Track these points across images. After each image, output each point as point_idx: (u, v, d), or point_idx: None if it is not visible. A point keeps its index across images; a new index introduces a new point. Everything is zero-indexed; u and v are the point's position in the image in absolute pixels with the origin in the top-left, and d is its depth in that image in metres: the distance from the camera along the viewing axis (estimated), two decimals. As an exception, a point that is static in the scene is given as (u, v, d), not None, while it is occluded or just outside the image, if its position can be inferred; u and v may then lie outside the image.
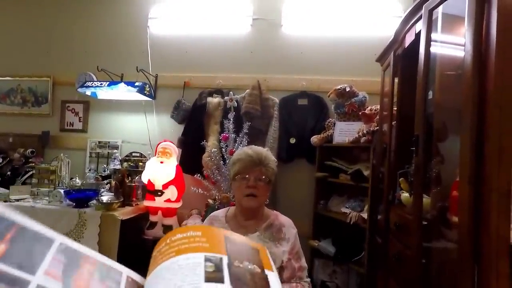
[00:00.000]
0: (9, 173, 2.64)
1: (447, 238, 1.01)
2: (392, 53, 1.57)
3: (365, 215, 1.94)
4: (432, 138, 1.12)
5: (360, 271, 1.99)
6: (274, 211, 1.27)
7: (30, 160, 2.75)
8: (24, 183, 2.54)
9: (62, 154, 2.60)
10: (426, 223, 1.09)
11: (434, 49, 1.14)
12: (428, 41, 1.15)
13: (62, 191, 2.18)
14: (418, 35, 1.24)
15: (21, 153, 2.76)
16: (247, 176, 1.16)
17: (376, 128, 1.92)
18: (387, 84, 1.71)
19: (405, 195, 1.33)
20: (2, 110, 3.07)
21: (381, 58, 1.84)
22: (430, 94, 1.24)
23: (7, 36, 3.10)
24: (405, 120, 1.44)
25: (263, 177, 1.16)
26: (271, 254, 1.12)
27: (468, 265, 0.78)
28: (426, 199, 1.13)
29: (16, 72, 3.04)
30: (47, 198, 2.23)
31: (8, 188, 2.33)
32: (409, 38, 1.35)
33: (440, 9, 1.10)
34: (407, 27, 1.37)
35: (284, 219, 1.24)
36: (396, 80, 1.56)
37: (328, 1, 2.55)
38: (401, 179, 1.41)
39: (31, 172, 2.57)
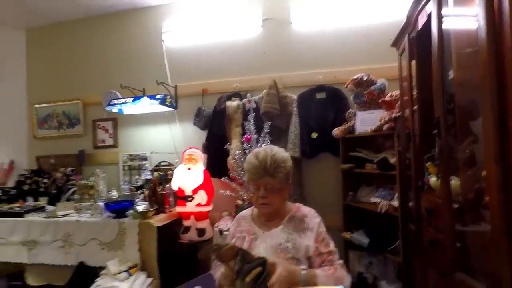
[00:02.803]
0: (54, 191, 2.86)
1: (482, 219, 0.99)
2: (407, 36, 1.54)
3: (395, 203, 1.91)
4: (455, 118, 1.09)
5: (397, 260, 1.96)
6: (296, 203, 1.30)
7: (70, 178, 2.96)
8: (68, 199, 2.74)
9: (98, 170, 2.77)
10: (458, 205, 1.07)
11: (448, 25, 1.10)
12: (440, 19, 1.12)
13: (101, 204, 2.33)
14: (430, 15, 1.22)
15: (63, 172, 2.98)
16: (256, 186, 1.18)
17: (398, 114, 1.88)
18: (404, 68, 1.68)
19: (433, 179, 1.30)
20: (42, 135, 3.32)
21: (396, 43, 1.80)
22: (451, 74, 1.21)
23: (39, 68, 3.36)
24: (426, 103, 1.41)
25: (272, 186, 1.16)
26: (296, 245, 1.15)
27: (503, 242, 0.77)
28: (456, 182, 1.11)
29: (51, 98, 3.28)
30: (89, 211, 2.40)
31: (55, 205, 2.54)
32: (422, 20, 1.32)
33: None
34: (419, 9, 1.34)
35: (306, 210, 1.26)
36: (413, 63, 1.53)
37: (336, -9, 2.52)
38: (428, 163, 1.38)
39: (73, 189, 2.77)
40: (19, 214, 2.42)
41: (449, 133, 1.09)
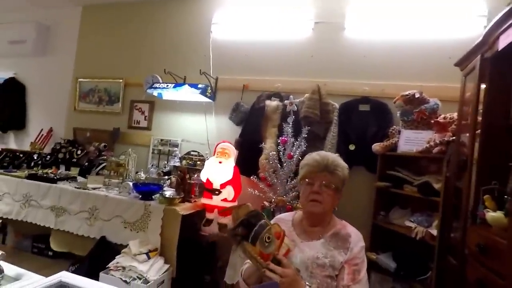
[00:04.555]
0: (86, 163, 2.94)
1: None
2: (479, 56, 1.43)
3: (434, 231, 1.79)
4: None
5: (425, 292, 1.84)
6: (343, 221, 1.23)
7: (102, 153, 3.04)
8: (97, 173, 2.81)
9: (130, 149, 2.82)
10: (523, 248, 0.96)
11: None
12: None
13: (130, 183, 2.36)
14: (517, 36, 1.11)
15: (96, 147, 3.06)
16: (312, 181, 1.16)
17: (451, 138, 1.76)
18: (469, 90, 1.56)
19: (492, 214, 1.19)
20: (82, 108, 3.44)
21: (462, 62, 1.68)
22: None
23: (89, 44, 3.49)
24: (494, 130, 1.30)
25: (328, 183, 1.14)
26: (335, 262, 1.08)
27: None
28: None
29: (95, 74, 3.40)
30: (117, 188, 2.44)
31: (85, 177, 2.60)
32: (505, 41, 1.21)
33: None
34: (502, 28, 1.23)
35: (352, 230, 1.19)
36: (483, 86, 1.41)
37: (396, 2, 2.41)
38: (486, 196, 1.27)
39: (103, 164, 2.83)
40: (53, 180, 2.50)
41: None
